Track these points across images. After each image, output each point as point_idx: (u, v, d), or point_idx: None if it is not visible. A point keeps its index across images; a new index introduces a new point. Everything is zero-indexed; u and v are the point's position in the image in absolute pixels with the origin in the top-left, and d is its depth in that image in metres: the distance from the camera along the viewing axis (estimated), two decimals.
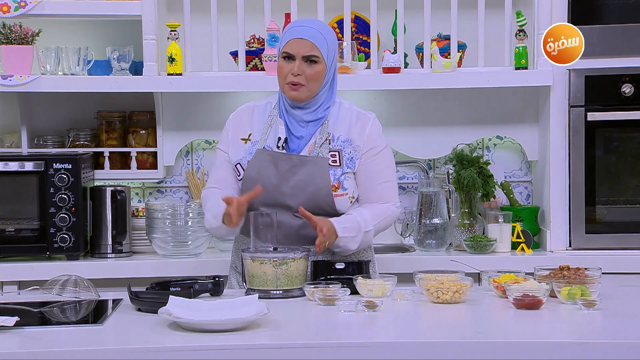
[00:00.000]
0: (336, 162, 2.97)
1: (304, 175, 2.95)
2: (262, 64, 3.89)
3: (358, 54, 3.92)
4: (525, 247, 3.82)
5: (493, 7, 3.92)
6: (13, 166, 3.71)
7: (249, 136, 3.05)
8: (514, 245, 3.84)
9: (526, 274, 2.82)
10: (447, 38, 3.93)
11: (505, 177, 4.14)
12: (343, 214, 2.99)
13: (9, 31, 3.81)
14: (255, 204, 2.98)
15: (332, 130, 3.00)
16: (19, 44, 3.81)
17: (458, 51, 3.90)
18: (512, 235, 3.83)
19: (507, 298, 2.63)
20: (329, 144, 2.98)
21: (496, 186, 3.97)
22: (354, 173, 3.01)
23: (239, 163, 3.03)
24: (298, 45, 2.92)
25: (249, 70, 3.93)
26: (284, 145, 2.98)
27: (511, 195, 4.03)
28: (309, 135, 2.99)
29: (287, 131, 3.00)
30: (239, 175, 3.03)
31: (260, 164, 2.98)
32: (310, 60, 2.93)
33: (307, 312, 2.63)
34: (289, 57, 2.94)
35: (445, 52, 3.89)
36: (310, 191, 2.94)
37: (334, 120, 3.01)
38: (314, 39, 2.93)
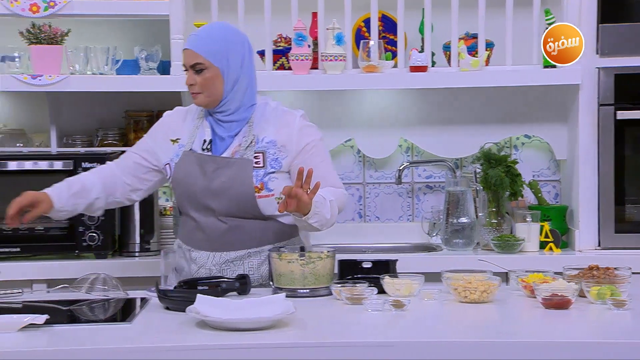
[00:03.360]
0: (259, 164, 2.96)
1: (227, 177, 2.94)
2: (289, 63, 3.90)
3: (385, 53, 3.92)
4: (553, 247, 3.79)
5: (521, 5, 3.90)
6: (42, 165, 3.73)
7: (177, 139, 3.06)
8: (542, 245, 3.82)
9: (555, 273, 2.80)
10: (475, 36, 3.91)
11: (533, 176, 4.12)
12: (268, 215, 2.94)
13: (38, 31, 3.83)
14: (184, 208, 3.02)
15: (256, 132, 2.98)
16: (48, 43, 3.83)
17: (486, 49, 3.88)
18: (540, 234, 3.81)
19: (536, 298, 2.61)
20: (254, 145, 2.97)
21: (524, 185, 3.95)
22: (286, 172, 2.97)
23: (168, 164, 3.05)
24: (185, 56, 2.98)
25: (276, 70, 3.93)
26: (209, 147, 3.00)
27: (539, 195, 4.01)
28: (232, 137, 2.99)
29: (212, 133, 3.01)
30: (168, 176, 3.06)
31: (186, 166, 3.00)
32: (196, 69, 2.95)
33: (334, 311, 2.62)
34: (185, 68, 3.00)
35: (472, 50, 3.88)
36: (233, 193, 2.92)
37: (258, 121, 3.00)
38: (195, 48, 2.94)
